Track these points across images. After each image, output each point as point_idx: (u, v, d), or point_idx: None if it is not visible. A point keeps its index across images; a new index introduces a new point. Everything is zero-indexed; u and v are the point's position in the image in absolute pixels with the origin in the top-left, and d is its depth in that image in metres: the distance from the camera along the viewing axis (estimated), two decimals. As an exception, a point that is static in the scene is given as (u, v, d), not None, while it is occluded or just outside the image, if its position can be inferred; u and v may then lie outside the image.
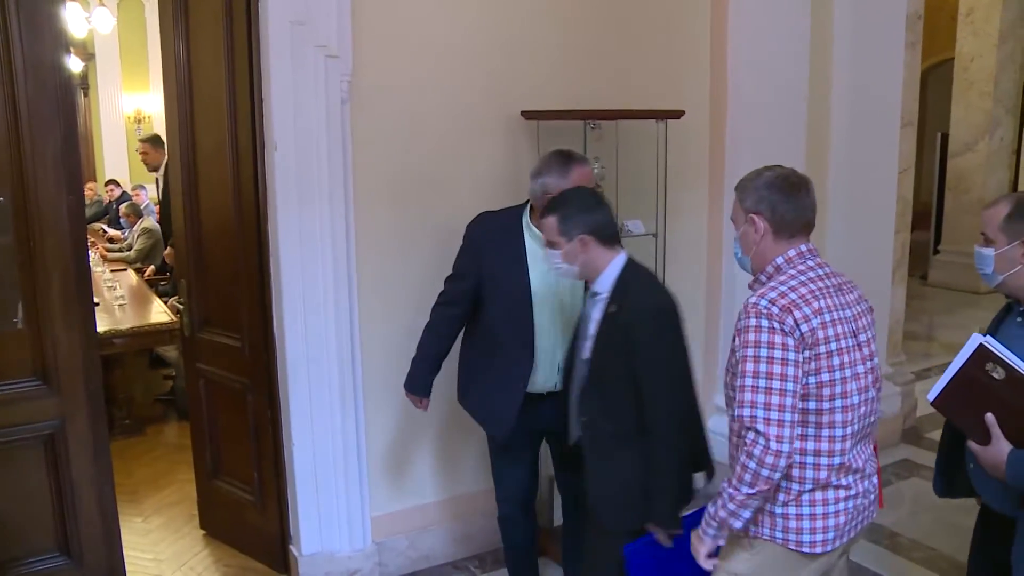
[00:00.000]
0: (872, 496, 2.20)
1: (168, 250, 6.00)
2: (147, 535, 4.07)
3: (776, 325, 1.97)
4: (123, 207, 8.35)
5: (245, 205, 3.41)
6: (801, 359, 1.98)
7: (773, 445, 1.95)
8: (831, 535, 2.08)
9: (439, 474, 3.73)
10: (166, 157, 6.47)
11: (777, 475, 1.99)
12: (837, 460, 2.06)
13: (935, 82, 10.11)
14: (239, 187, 3.43)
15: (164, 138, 3.89)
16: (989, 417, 1.98)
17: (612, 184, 3.62)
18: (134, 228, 7.84)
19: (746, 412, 1.99)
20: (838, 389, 2.03)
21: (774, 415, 1.96)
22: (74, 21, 8.71)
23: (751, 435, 1.98)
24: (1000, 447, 1.98)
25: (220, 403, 3.78)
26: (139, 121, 11.12)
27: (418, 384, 3.11)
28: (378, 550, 3.55)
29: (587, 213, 2.51)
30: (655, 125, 3.62)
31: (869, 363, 2.13)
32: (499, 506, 3.23)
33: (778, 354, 1.97)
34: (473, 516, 3.75)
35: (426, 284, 3.33)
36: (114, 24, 9.84)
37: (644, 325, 2.43)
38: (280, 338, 3.32)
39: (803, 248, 2.15)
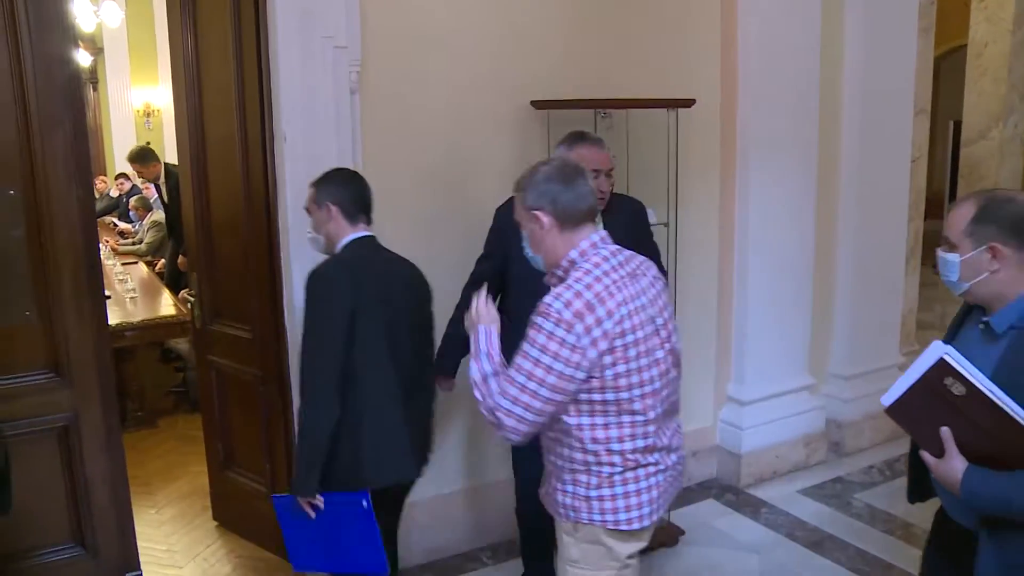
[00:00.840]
0: (680, 468, 2.29)
1: (180, 259, 6.04)
2: (160, 526, 4.09)
3: (561, 332, 1.99)
4: (133, 200, 8.37)
5: (255, 196, 3.41)
6: (574, 368, 2.00)
7: (506, 433, 2.07)
8: (646, 510, 2.16)
9: (452, 465, 3.72)
10: (160, 163, 6.57)
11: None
12: (640, 443, 2.12)
13: (948, 69, 10.03)
14: (248, 178, 3.42)
15: (176, 130, 3.87)
16: (944, 431, 1.88)
17: (623, 173, 3.60)
18: (144, 221, 7.86)
19: (499, 398, 2.06)
20: (635, 379, 2.07)
21: (518, 411, 2.03)
22: (83, 15, 8.71)
23: (496, 416, 2.06)
24: (954, 464, 1.89)
25: (232, 395, 3.78)
26: (148, 115, 11.14)
27: (444, 363, 3.14)
28: (390, 541, 3.55)
29: (338, 185, 2.64)
30: (666, 114, 3.60)
31: (668, 345, 2.18)
32: (518, 498, 3.23)
33: (546, 360, 1.99)
34: (486, 507, 3.75)
35: (436, 273, 3.32)
36: (122, 18, 9.83)
37: (305, 290, 2.51)
38: (291, 329, 3.31)
39: (595, 239, 2.14)
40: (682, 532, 3.84)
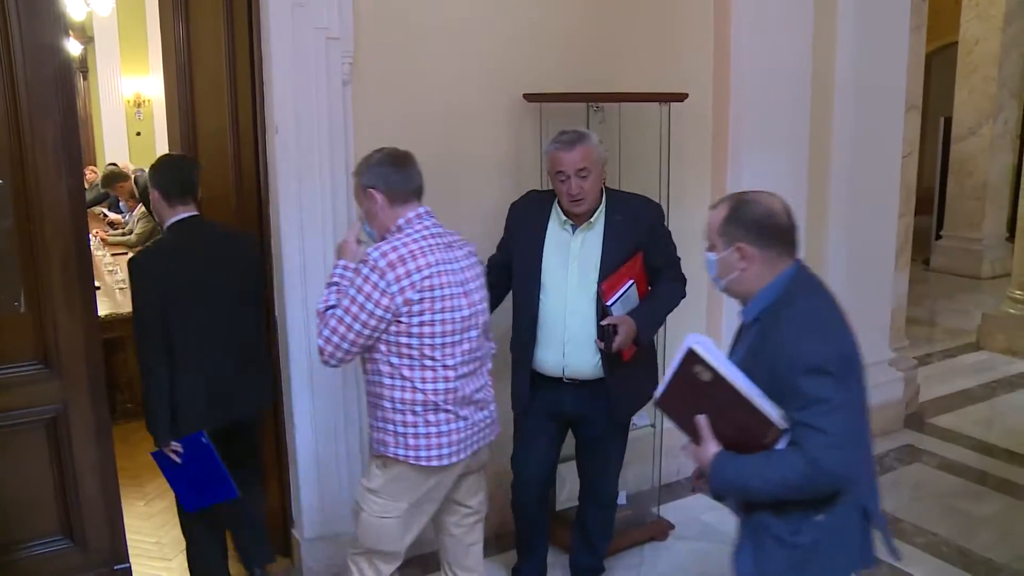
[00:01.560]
0: (488, 422, 2.61)
1: None
2: (150, 519, 4.08)
3: (375, 278, 2.33)
4: (123, 191, 8.30)
5: (246, 188, 3.40)
6: (382, 310, 2.34)
7: (324, 358, 2.44)
8: (445, 451, 2.46)
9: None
10: (129, 178, 6.63)
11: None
12: (442, 386, 2.44)
13: (938, 66, 10.05)
14: (240, 170, 3.41)
15: (167, 120, 3.85)
16: (700, 418, 2.00)
17: (615, 167, 3.60)
18: (134, 212, 7.81)
19: (323, 328, 2.42)
20: (437, 328, 2.40)
21: (335, 339, 2.39)
22: (73, 3, 8.64)
23: (319, 342, 2.43)
24: (708, 448, 2.01)
25: (222, 387, 3.77)
26: (139, 105, 11.05)
27: None
28: (380, 534, 3.55)
29: (156, 171, 3.00)
30: (658, 108, 3.60)
31: (477, 307, 2.51)
32: (513, 491, 3.24)
33: (360, 299, 2.34)
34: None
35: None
36: (113, 6, 9.75)
37: (127, 276, 2.94)
38: (281, 321, 3.31)
39: (420, 211, 2.51)
40: (672, 526, 3.85)
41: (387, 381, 2.45)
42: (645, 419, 3.75)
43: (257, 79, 3.21)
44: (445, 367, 2.43)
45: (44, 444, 3.06)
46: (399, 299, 2.34)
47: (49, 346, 3.01)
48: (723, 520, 3.98)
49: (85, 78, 11.11)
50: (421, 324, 2.38)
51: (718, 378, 1.94)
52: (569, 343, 2.97)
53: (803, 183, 4.39)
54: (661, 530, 3.82)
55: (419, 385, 2.42)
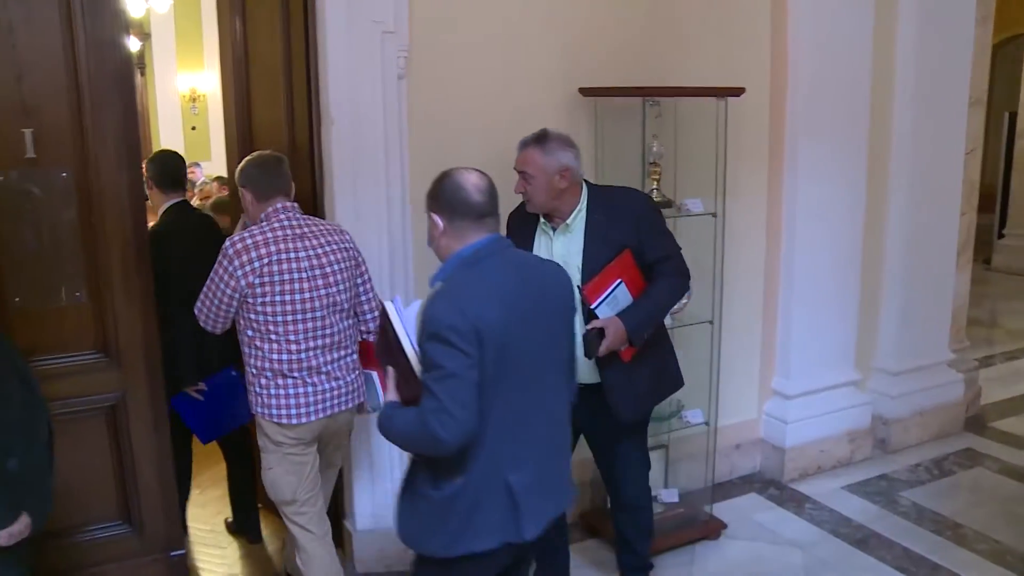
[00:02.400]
0: (340, 392, 2.89)
1: None
2: (205, 506, 4.14)
3: (226, 263, 2.73)
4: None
5: (301, 181, 3.40)
6: (231, 290, 2.72)
7: (200, 323, 2.87)
8: (294, 411, 2.81)
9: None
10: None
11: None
12: (286, 356, 2.78)
13: (1004, 59, 9.76)
14: (296, 163, 3.42)
15: (223, 113, 3.91)
16: (388, 370, 2.19)
17: (671, 162, 3.56)
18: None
19: (198, 300, 2.84)
20: (278, 308, 2.75)
21: (204, 309, 2.83)
22: (132, 1, 8.81)
23: (195, 310, 2.87)
24: (387, 397, 2.19)
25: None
26: (194, 100, 11.24)
27: None
28: (430, 527, 3.55)
29: (151, 164, 3.51)
30: (715, 103, 3.54)
31: (321, 291, 2.80)
32: None
33: (215, 279, 2.76)
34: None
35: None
36: (170, 3, 9.93)
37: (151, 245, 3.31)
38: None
39: (279, 206, 2.84)
40: (724, 525, 3.80)
41: (247, 350, 2.84)
42: (700, 417, 3.71)
43: (313, 72, 3.23)
44: (288, 341, 2.78)
45: (103, 431, 3.12)
46: (243, 282, 2.71)
47: (109, 336, 3.06)
48: (777, 520, 3.94)
49: (143, 74, 11.30)
50: (263, 304, 2.74)
51: (394, 335, 2.12)
52: None
53: (862, 179, 4.30)
54: (713, 529, 3.77)
55: (267, 355, 2.79)
